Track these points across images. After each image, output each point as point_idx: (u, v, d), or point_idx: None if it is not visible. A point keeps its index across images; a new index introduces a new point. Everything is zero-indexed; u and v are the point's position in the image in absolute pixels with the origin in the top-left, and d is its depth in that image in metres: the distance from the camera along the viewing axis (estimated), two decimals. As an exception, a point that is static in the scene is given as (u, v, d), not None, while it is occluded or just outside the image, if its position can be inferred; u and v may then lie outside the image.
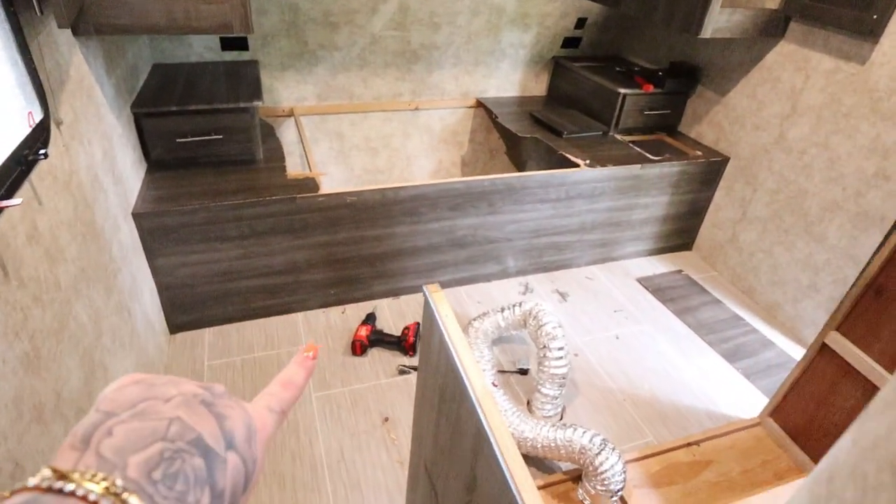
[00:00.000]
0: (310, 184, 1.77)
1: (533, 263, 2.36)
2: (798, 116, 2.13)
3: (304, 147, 2.08)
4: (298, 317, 2.00)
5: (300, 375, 0.36)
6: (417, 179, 2.86)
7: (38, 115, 0.94)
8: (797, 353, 2.14)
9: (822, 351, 1.55)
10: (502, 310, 1.96)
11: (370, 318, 1.94)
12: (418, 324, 1.96)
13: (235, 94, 1.81)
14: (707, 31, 1.91)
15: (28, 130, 0.89)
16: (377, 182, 2.75)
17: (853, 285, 1.44)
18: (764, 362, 2.10)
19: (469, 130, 2.85)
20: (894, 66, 1.80)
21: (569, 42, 2.79)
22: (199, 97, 1.77)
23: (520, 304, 1.95)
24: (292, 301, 1.96)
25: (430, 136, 2.77)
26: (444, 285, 2.22)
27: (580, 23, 2.70)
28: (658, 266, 2.60)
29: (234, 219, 1.67)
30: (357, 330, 1.87)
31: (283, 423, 0.41)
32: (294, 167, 2.53)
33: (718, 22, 1.93)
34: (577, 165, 2.18)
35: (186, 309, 1.81)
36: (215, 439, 0.26)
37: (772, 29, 2.08)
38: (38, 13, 0.88)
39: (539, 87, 2.90)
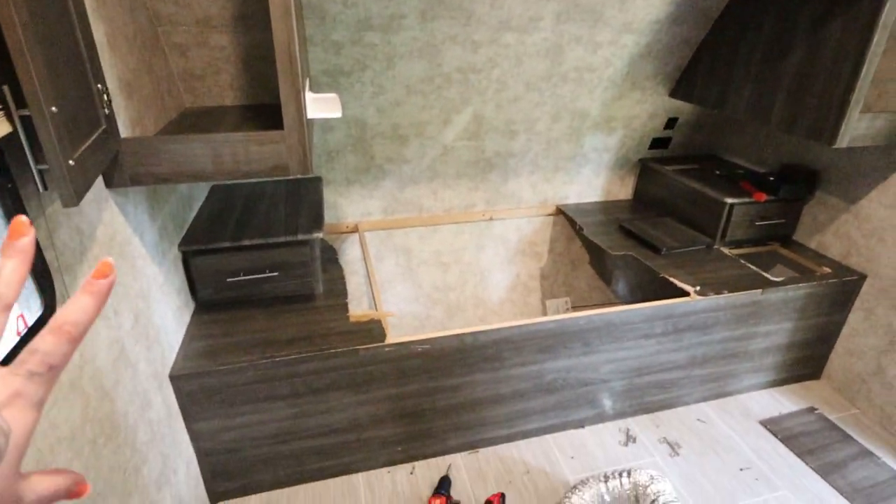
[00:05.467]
0: (375, 329, 1.50)
1: (633, 405, 1.96)
2: (963, 231, 1.72)
3: (369, 277, 1.84)
4: (359, 478, 1.68)
5: (84, 309, 0.30)
6: (492, 297, 2.57)
7: (35, 314, 0.72)
8: None
9: None
10: (605, 479, 1.57)
11: (444, 485, 1.59)
12: (503, 495, 1.59)
13: (294, 225, 1.61)
14: (844, 141, 1.58)
15: (15, 341, 0.66)
16: (447, 300, 2.48)
17: None
18: (955, 553, 1.58)
19: (548, 240, 2.57)
20: None
21: (657, 143, 2.52)
22: (254, 228, 1.58)
23: (628, 474, 1.56)
24: (353, 461, 1.64)
25: (505, 248, 2.50)
26: (529, 434, 1.86)
27: (670, 122, 2.44)
28: (783, 402, 2.14)
29: (287, 376, 1.41)
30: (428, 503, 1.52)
31: (54, 379, 0.29)
32: (358, 289, 2.30)
33: (857, 129, 1.59)
34: (685, 294, 1.82)
35: (230, 476, 1.53)
36: None
37: (918, 132, 1.73)
38: (41, 189, 0.68)
39: (624, 192, 2.61)
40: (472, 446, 1.79)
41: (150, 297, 1.22)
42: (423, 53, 1.85)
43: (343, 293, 1.68)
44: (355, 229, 2.23)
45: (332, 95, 1.38)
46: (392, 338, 1.48)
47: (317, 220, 1.67)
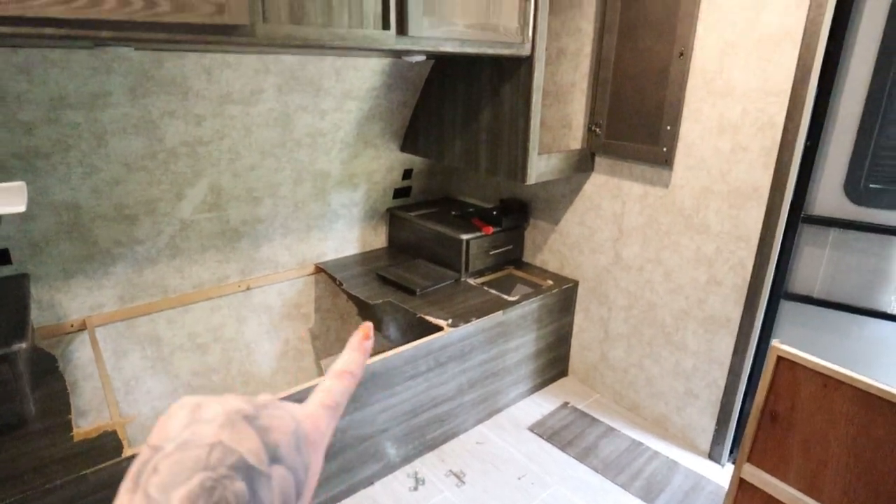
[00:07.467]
0: (109, 443, 1.30)
1: (417, 446, 2.04)
2: (626, 238, 2.23)
3: (102, 380, 1.60)
4: None
5: (356, 362, 0.36)
6: (262, 370, 2.44)
7: None
8: (700, 465, 2.10)
9: (742, 487, 1.46)
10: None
11: None
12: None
13: (-15, 340, 1.33)
14: (532, 178, 1.96)
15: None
16: (211, 385, 2.28)
17: (746, 414, 1.38)
18: (679, 492, 1.98)
19: (313, 300, 2.56)
20: (691, 188, 1.98)
21: (400, 192, 2.73)
22: (-76, 356, 1.26)
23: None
24: None
25: (269, 316, 2.42)
26: (317, 508, 1.79)
27: (407, 173, 2.67)
28: (543, 404, 2.45)
29: (-12, 533, 1.13)
30: None
31: (339, 416, 0.35)
32: (97, 396, 1.98)
33: (539, 168, 1.99)
34: (440, 328, 1.99)
35: None
36: (257, 456, 0.26)
37: (583, 165, 2.23)
38: None
39: (379, 240, 2.76)
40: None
41: None
42: (140, 130, 1.73)
43: (66, 409, 1.42)
44: (83, 326, 1.93)
45: (17, 184, 1.20)
46: (133, 448, 1.30)
47: (18, 328, 1.40)
